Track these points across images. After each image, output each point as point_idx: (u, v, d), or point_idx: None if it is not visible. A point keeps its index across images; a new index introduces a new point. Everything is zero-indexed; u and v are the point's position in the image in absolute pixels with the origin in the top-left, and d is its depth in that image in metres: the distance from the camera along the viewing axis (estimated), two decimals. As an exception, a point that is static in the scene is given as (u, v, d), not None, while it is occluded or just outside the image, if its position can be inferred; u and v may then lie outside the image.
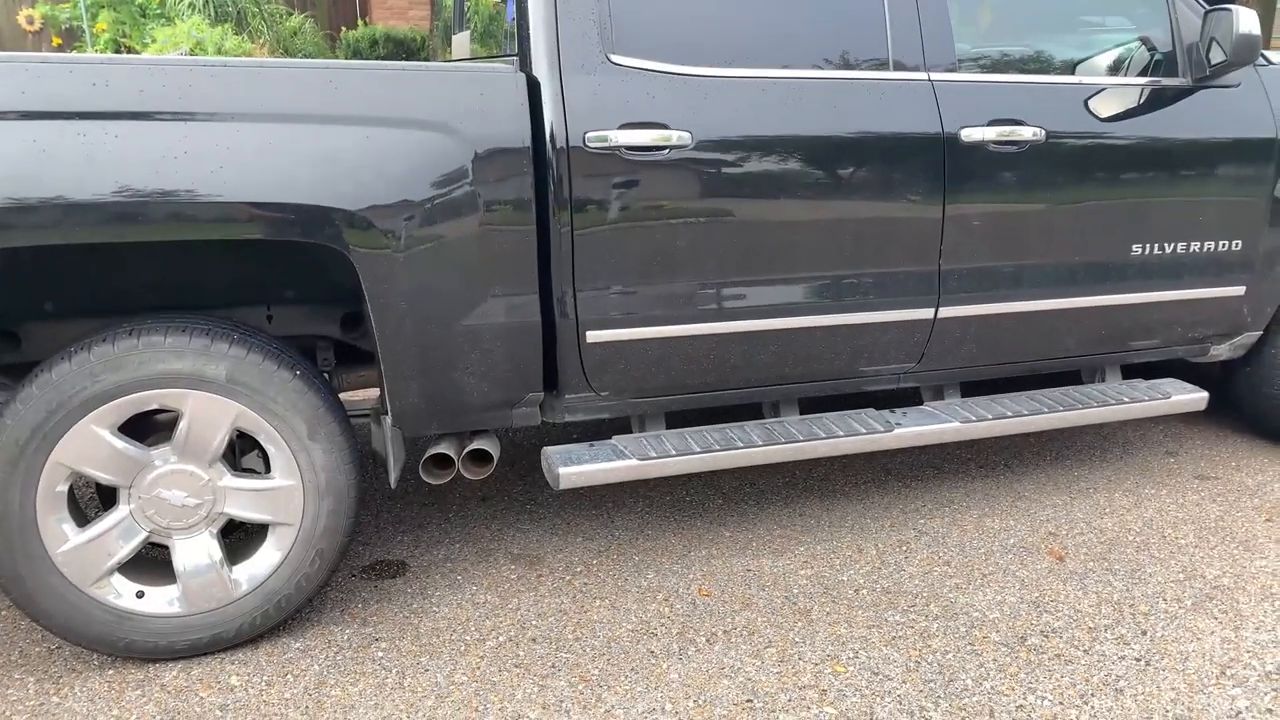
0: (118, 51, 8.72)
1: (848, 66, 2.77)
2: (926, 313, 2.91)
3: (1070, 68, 3.11)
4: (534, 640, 2.52)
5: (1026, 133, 2.85)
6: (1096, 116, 2.96)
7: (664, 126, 2.52)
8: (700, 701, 2.28)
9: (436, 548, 3.02)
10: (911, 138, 2.76)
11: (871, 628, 2.57)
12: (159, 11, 9.07)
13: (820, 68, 2.74)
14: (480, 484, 3.42)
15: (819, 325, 2.79)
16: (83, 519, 2.36)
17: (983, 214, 2.88)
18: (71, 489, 2.30)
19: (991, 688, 2.32)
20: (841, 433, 2.87)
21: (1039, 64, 3.08)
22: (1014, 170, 2.87)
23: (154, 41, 8.39)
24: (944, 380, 3.16)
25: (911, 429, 2.97)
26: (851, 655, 2.46)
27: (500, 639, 2.53)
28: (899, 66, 2.79)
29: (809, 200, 2.70)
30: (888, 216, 2.80)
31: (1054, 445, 3.80)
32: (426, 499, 3.35)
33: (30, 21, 9.56)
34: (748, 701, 2.28)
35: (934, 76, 2.81)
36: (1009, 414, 3.07)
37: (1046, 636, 2.52)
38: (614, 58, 2.51)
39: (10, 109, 2.08)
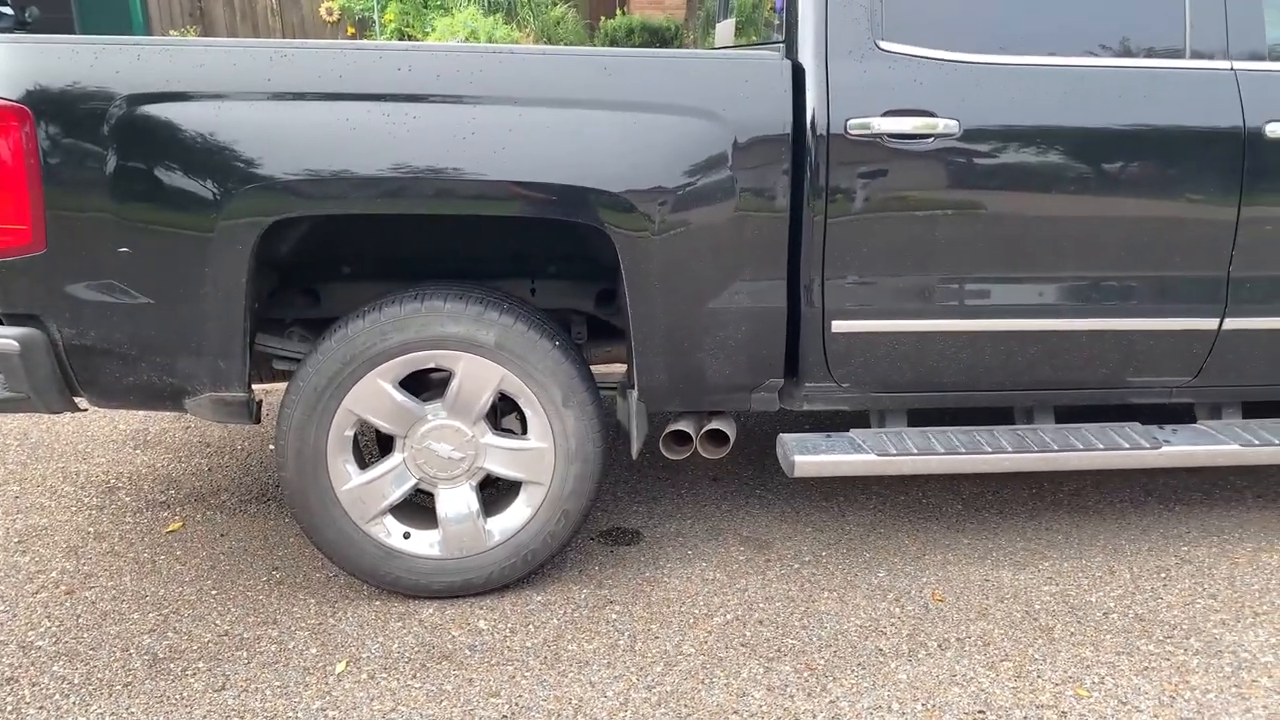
0: (402, 40, 9.50)
1: (1137, 55, 2.59)
2: (1209, 323, 2.67)
3: None
4: (760, 623, 2.55)
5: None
6: None
7: (930, 114, 2.45)
8: (929, 706, 2.22)
9: (669, 521, 3.11)
10: (1207, 132, 2.54)
11: (1121, 654, 2.41)
12: (438, 3, 9.78)
13: (1105, 56, 2.58)
14: (713, 464, 3.48)
15: (1084, 329, 2.63)
16: (363, 463, 2.62)
17: (1286, 217, 2.61)
18: (355, 435, 2.55)
19: (1260, 738, 2.12)
20: (1101, 446, 2.69)
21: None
22: (1330, 170, 2.57)
23: (434, 31, 9.07)
24: (1224, 398, 2.88)
25: (1182, 448, 2.73)
26: (1097, 680, 2.31)
27: (728, 617, 2.57)
28: (1197, 55, 2.58)
29: (1083, 196, 2.54)
30: (1171, 216, 2.59)
31: (1352, 481, 3.39)
32: (662, 473, 3.45)
33: (330, 13, 10.61)
34: (979, 713, 2.20)
35: (1238, 65, 2.57)
36: (1300, 441, 2.76)
37: (1332, 691, 2.26)
38: (883, 44, 2.47)
39: (327, 91, 2.33)
